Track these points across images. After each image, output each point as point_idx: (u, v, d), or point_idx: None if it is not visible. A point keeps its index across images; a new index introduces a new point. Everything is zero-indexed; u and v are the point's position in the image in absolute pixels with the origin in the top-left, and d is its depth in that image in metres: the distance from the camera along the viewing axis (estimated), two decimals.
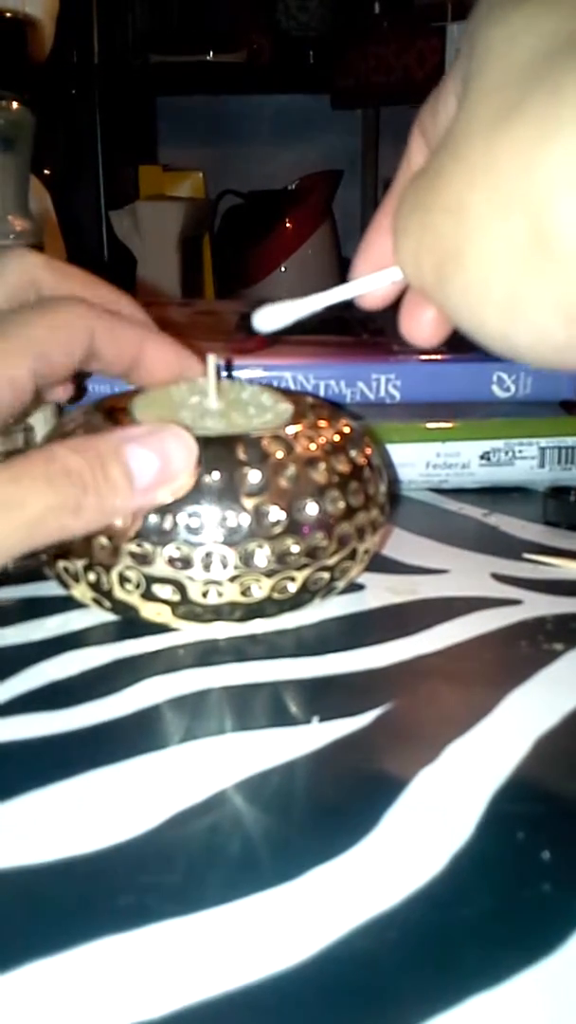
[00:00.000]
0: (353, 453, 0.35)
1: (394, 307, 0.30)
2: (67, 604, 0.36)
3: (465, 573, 0.40)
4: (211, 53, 1.80)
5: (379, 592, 0.37)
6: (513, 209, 0.20)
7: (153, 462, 0.29)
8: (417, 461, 0.50)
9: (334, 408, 0.38)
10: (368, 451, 0.37)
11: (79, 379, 0.37)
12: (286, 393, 0.38)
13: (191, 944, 0.21)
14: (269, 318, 0.32)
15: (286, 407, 0.36)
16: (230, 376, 0.38)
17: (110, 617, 0.36)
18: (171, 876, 0.23)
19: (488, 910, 0.22)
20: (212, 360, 0.35)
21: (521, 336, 0.22)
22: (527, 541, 0.44)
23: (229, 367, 0.42)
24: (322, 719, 0.29)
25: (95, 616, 0.36)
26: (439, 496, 0.51)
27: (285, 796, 0.26)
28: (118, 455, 0.29)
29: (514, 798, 0.26)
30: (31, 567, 0.40)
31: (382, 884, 0.22)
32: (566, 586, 0.39)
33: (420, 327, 0.29)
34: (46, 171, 0.48)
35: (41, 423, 0.42)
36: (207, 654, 0.33)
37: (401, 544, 0.43)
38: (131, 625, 0.34)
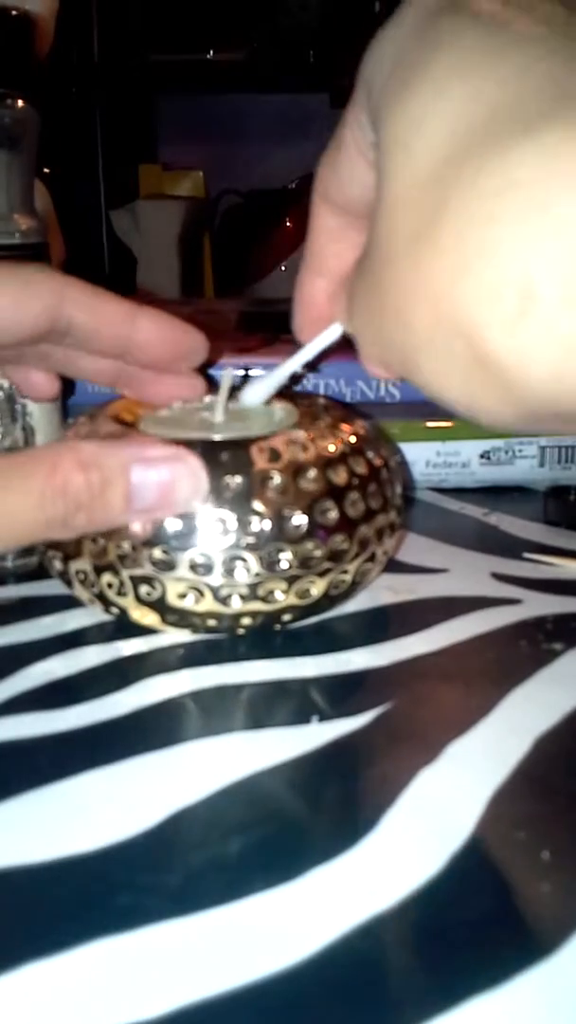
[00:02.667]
0: (370, 454, 0.35)
1: None
2: (70, 602, 0.36)
3: (465, 572, 0.40)
4: (211, 52, 1.80)
5: (378, 591, 0.37)
6: (452, 331, 0.20)
7: (157, 488, 0.29)
8: (417, 460, 0.50)
9: (347, 409, 0.38)
10: (384, 452, 0.36)
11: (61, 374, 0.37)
12: (297, 395, 0.37)
13: (190, 944, 0.21)
14: (256, 393, 0.35)
15: (292, 414, 0.36)
16: (245, 379, 0.37)
17: (111, 616, 0.35)
18: (169, 876, 0.23)
19: (488, 910, 0.22)
20: (228, 375, 0.35)
21: (483, 419, 0.22)
22: (527, 540, 0.44)
23: (246, 374, 0.42)
24: (321, 719, 0.29)
25: (97, 615, 0.36)
26: (439, 495, 0.51)
27: (284, 796, 0.26)
28: (123, 475, 0.28)
29: (514, 798, 0.25)
30: (32, 566, 0.40)
31: (381, 884, 0.22)
32: (566, 585, 0.39)
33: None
34: (46, 170, 0.48)
35: (42, 422, 0.42)
36: (206, 654, 0.33)
37: (401, 543, 0.43)
38: (133, 624, 0.34)
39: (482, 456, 0.50)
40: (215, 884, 0.22)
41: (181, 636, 0.34)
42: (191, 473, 0.30)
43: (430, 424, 0.50)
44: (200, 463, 0.30)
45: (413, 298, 0.21)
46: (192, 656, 0.33)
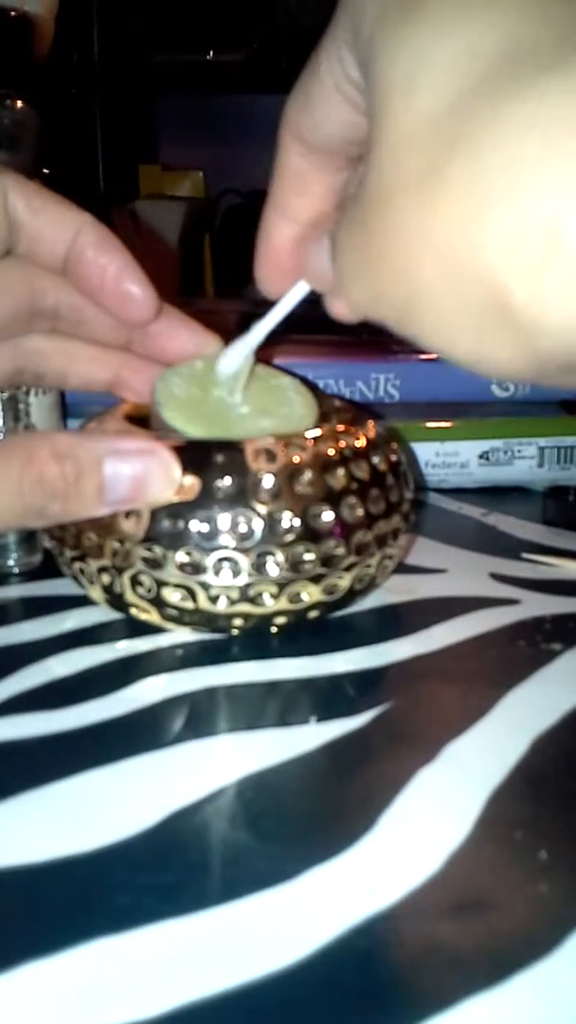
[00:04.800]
0: (376, 459, 0.34)
1: None
2: (70, 602, 0.37)
3: (464, 573, 0.40)
4: (211, 53, 1.80)
5: (377, 592, 0.37)
6: (466, 282, 0.19)
7: (129, 482, 0.29)
8: (416, 460, 0.50)
9: (360, 411, 0.37)
10: (393, 457, 0.36)
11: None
12: (315, 393, 0.37)
13: (188, 944, 0.21)
14: (231, 360, 0.34)
15: (311, 409, 0.35)
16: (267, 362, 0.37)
17: (119, 615, 0.36)
18: (168, 876, 0.23)
19: (486, 911, 0.22)
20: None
21: (489, 370, 0.21)
22: (526, 541, 0.44)
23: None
24: (320, 719, 0.29)
25: (105, 614, 0.36)
26: (438, 495, 0.51)
27: (283, 796, 0.26)
28: (97, 468, 0.29)
29: (512, 798, 0.26)
30: (35, 565, 0.40)
31: (380, 884, 0.22)
32: (565, 586, 0.39)
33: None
34: (46, 171, 0.48)
35: (43, 422, 0.42)
36: (205, 654, 0.33)
37: (410, 548, 0.43)
38: (138, 623, 0.34)
39: (481, 457, 0.50)
40: (213, 884, 0.22)
41: (180, 636, 0.34)
42: (163, 467, 0.30)
43: (429, 424, 0.50)
44: (172, 457, 0.30)
45: (418, 245, 0.20)
46: (191, 656, 0.33)
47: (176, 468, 0.30)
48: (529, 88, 0.18)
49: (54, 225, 0.31)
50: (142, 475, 0.30)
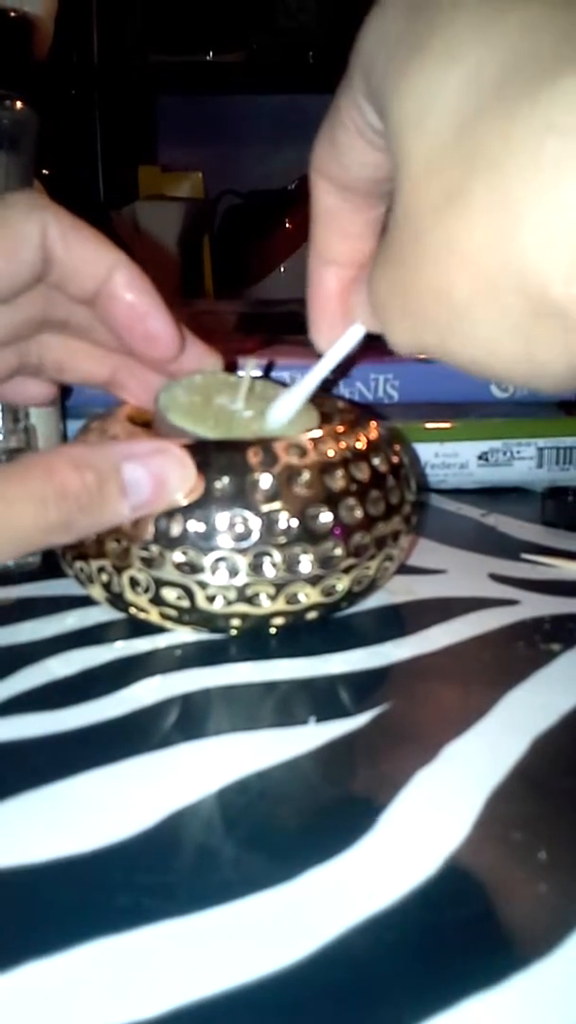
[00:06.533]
0: (376, 460, 0.34)
1: None
2: (70, 603, 0.37)
3: (463, 573, 0.41)
4: (211, 53, 1.80)
5: (376, 592, 0.37)
6: (505, 290, 0.20)
7: (149, 484, 0.29)
8: (418, 461, 0.50)
9: (363, 412, 0.37)
10: (395, 459, 0.36)
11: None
12: (316, 395, 0.37)
13: (189, 944, 0.21)
14: (283, 409, 0.34)
15: (312, 412, 0.35)
16: (267, 376, 0.37)
17: (118, 615, 0.36)
18: (168, 876, 0.23)
19: (485, 911, 0.22)
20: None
21: (542, 376, 0.21)
22: (525, 541, 0.44)
23: (269, 368, 0.41)
24: (319, 719, 0.29)
25: (105, 614, 0.36)
26: (437, 496, 0.51)
27: (282, 796, 0.26)
28: (116, 474, 0.28)
29: (511, 798, 0.26)
30: (34, 566, 0.40)
31: (379, 884, 0.22)
32: (564, 586, 0.39)
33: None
34: (45, 171, 0.48)
35: (42, 423, 0.42)
36: (204, 654, 0.33)
37: (412, 550, 0.43)
38: (138, 623, 0.34)
39: (480, 457, 0.50)
40: (213, 884, 0.22)
41: (180, 636, 0.34)
42: (179, 465, 0.30)
43: (429, 425, 0.50)
44: (185, 454, 0.30)
45: (451, 265, 0.20)
46: (191, 656, 0.33)
47: (191, 465, 0.30)
48: (537, 97, 0.18)
49: (89, 263, 0.32)
50: (160, 474, 0.30)
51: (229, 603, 0.32)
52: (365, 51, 0.23)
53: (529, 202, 0.18)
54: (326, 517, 0.32)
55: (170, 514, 0.31)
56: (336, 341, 0.30)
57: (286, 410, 0.34)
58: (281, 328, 0.54)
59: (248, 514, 0.31)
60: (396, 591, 0.38)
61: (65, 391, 0.45)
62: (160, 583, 0.32)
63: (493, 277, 0.20)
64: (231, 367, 0.37)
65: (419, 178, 0.21)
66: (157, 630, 0.35)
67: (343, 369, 0.32)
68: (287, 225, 1.78)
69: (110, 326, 0.33)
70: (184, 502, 0.31)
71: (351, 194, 0.27)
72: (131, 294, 0.32)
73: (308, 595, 0.33)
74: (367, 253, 0.28)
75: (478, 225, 0.19)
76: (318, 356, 0.31)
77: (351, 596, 0.35)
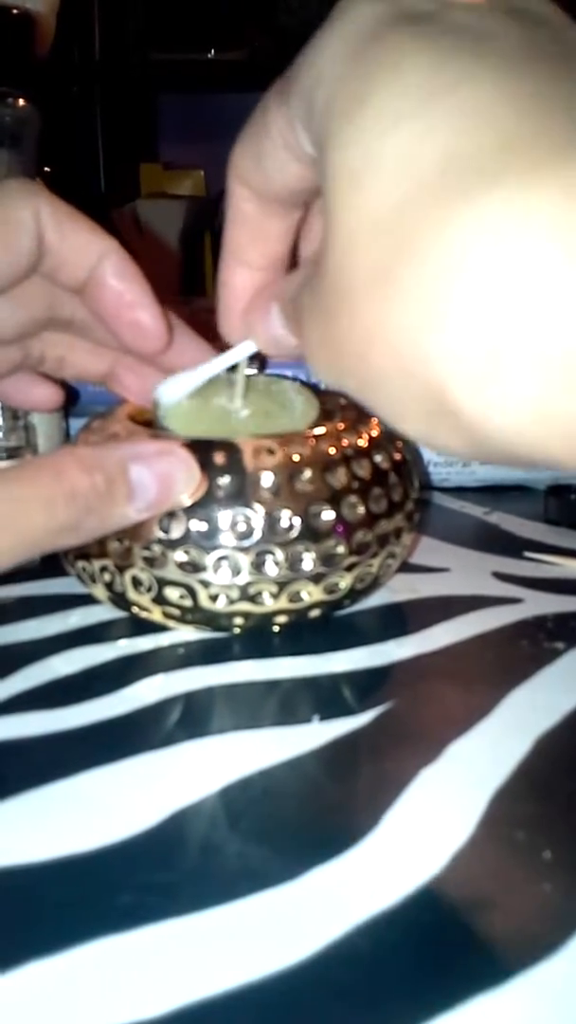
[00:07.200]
0: (378, 458, 0.34)
1: None
2: (71, 601, 0.37)
3: (466, 571, 0.40)
4: (211, 52, 1.80)
5: (379, 591, 0.37)
6: (415, 380, 0.20)
7: (154, 485, 0.29)
8: (421, 459, 0.50)
9: (364, 409, 0.37)
10: (397, 456, 0.35)
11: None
12: (318, 391, 0.37)
13: (190, 943, 0.21)
14: (172, 390, 0.33)
15: (313, 409, 0.35)
16: (262, 370, 0.37)
17: (121, 614, 0.35)
18: (170, 875, 0.23)
19: (488, 910, 0.22)
20: (244, 357, 0.32)
21: (440, 451, 0.22)
22: (528, 539, 0.44)
23: (263, 363, 0.41)
24: (322, 718, 0.29)
25: (107, 612, 0.36)
26: (440, 494, 0.51)
27: (285, 795, 0.26)
28: (123, 475, 0.28)
29: (515, 797, 0.25)
30: (34, 564, 0.40)
31: (382, 884, 0.22)
32: (567, 584, 0.39)
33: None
34: (46, 169, 0.48)
35: (44, 421, 0.42)
36: (207, 652, 0.33)
37: (415, 547, 0.43)
38: (141, 622, 0.34)
39: None
40: (215, 883, 0.22)
41: (182, 635, 0.34)
42: (184, 465, 0.30)
43: None
44: (190, 455, 0.30)
45: (372, 338, 0.20)
46: (193, 655, 0.33)
47: (196, 466, 0.30)
48: (471, 201, 0.18)
49: (80, 249, 0.32)
50: (166, 476, 0.30)
51: (232, 602, 0.32)
52: (308, 79, 0.22)
53: (447, 313, 0.18)
54: (328, 515, 0.32)
55: (172, 513, 0.31)
56: (242, 340, 0.30)
57: (174, 393, 0.34)
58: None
59: (250, 512, 0.31)
60: (399, 589, 0.38)
61: (71, 398, 0.44)
62: (163, 582, 0.32)
63: (405, 364, 0.20)
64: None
65: (350, 247, 0.21)
66: (160, 628, 0.34)
67: (262, 361, 0.33)
68: None
69: (97, 314, 0.33)
70: (188, 503, 0.31)
71: (269, 201, 0.27)
72: (120, 282, 0.32)
73: (311, 593, 0.33)
74: (280, 256, 0.28)
75: (400, 315, 0.19)
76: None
77: (353, 594, 0.34)
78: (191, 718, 0.30)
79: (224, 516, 0.31)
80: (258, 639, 0.34)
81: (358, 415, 0.36)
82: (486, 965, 0.20)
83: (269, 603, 0.32)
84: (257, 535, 0.31)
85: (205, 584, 0.32)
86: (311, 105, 0.22)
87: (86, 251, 0.32)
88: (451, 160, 0.19)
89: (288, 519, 0.32)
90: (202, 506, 0.31)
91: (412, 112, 0.19)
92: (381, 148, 0.20)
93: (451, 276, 0.18)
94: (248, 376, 0.35)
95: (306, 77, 0.22)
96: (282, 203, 0.27)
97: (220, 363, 0.32)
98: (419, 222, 0.19)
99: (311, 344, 0.24)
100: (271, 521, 0.31)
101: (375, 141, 0.20)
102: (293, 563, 0.32)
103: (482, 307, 0.18)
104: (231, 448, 0.32)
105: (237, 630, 0.34)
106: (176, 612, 0.33)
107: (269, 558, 0.32)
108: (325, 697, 0.31)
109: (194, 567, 0.32)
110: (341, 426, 0.34)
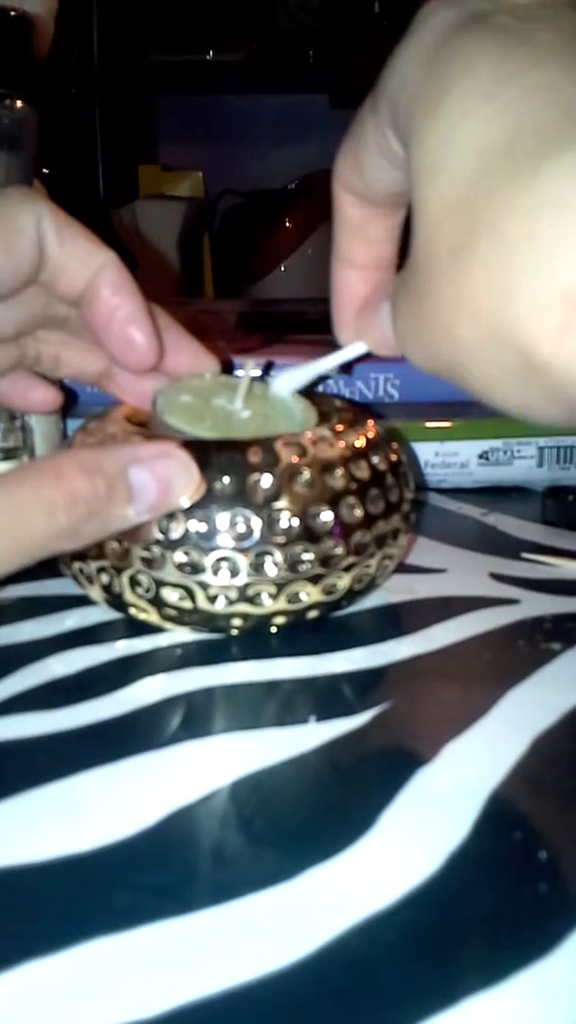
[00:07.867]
0: (375, 459, 0.34)
1: None
2: (70, 602, 0.37)
3: (463, 572, 0.40)
4: (211, 53, 1.80)
5: (377, 591, 0.37)
6: (501, 343, 0.21)
7: (154, 488, 0.29)
8: (416, 460, 0.50)
9: (361, 411, 0.37)
10: (393, 457, 0.36)
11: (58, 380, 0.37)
12: (314, 395, 0.37)
13: (188, 943, 0.21)
14: (284, 383, 0.35)
15: (312, 414, 0.35)
16: (263, 377, 0.37)
17: (118, 615, 0.36)
18: (168, 875, 0.23)
19: (485, 910, 0.22)
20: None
21: (535, 418, 0.23)
22: (525, 540, 0.44)
23: (267, 369, 0.41)
24: (319, 718, 0.29)
25: (105, 613, 0.36)
26: (438, 495, 0.51)
27: (282, 795, 0.26)
28: (123, 477, 0.29)
29: (512, 797, 0.26)
30: (32, 565, 0.40)
31: (379, 883, 0.22)
32: (564, 585, 0.39)
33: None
34: (45, 170, 0.48)
35: (41, 422, 0.42)
36: (205, 653, 0.33)
37: (410, 548, 0.43)
38: (138, 623, 0.34)
39: (480, 456, 0.50)
40: (213, 883, 0.22)
41: (180, 636, 0.34)
42: (184, 467, 0.30)
43: (429, 424, 0.50)
44: (190, 457, 0.30)
45: (458, 313, 0.22)
46: (191, 655, 0.33)
47: (195, 468, 0.30)
48: (538, 169, 0.20)
49: (78, 260, 0.32)
50: (166, 479, 0.30)
51: (230, 603, 0.32)
52: (392, 85, 0.24)
53: (523, 270, 0.20)
54: (327, 516, 0.32)
55: (171, 515, 0.31)
56: (353, 341, 0.31)
57: (289, 383, 0.35)
58: (281, 328, 0.54)
59: (249, 514, 0.31)
60: (396, 590, 0.38)
61: (70, 400, 0.45)
62: (161, 584, 0.32)
63: (491, 331, 0.21)
64: (230, 367, 0.37)
65: (432, 227, 0.22)
66: (158, 629, 0.34)
67: (347, 367, 0.34)
68: (287, 224, 1.78)
69: (91, 325, 0.33)
70: (187, 505, 0.31)
71: (372, 205, 0.29)
72: (115, 295, 0.32)
73: (309, 594, 0.33)
74: (387, 256, 0.30)
75: (480, 283, 0.21)
76: (321, 354, 0.32)
77: (351, 595, 0.35)
78: (189, 719, 0.30)
79: (223, 517, 0.31)
80: (256, 640, 0.34)
81: (355, 417, 0.36)
82: (483, 964, 0.20)
83: (268, 604, 0.32)
84: (256, 536, 0.31)
85: (204, 585, 0.32)
86: (397, 109, 0.24)
87: (85, 262, 0.32)
88: (517, 137, 0.20)
89: (287, 520, 0.32)
90: (201, 507, 0.31)
91: (482, 102, 0.21)
92: (455, 136, 0.22)
93: (523, 240, 0.20)
94: (252, 379, 0.35)
95: (391, 84, 0.25)
96: (383, 206, 0.29)
97: (330, 361, 0.33)
98: (491, 197, 0.21)
99: (403, 330, 0.25)
100: (270, 522, 0.32)
101: (451, 132, 0.22)
102: (292, 564, 0.32)
103: (552, 262, 0.20)
104: (231, 449, 0.32)
105: (235, 631, 0.34)
106: (174, 613, 0.33)
107: (268, 559, 0.32)
108: (322, 698, 0.31)
109: (193, 568, 0.32)
110: (339, 428, 0.34)
